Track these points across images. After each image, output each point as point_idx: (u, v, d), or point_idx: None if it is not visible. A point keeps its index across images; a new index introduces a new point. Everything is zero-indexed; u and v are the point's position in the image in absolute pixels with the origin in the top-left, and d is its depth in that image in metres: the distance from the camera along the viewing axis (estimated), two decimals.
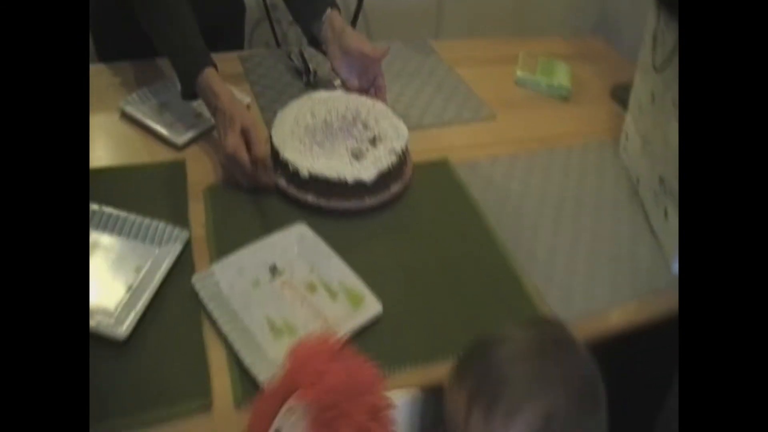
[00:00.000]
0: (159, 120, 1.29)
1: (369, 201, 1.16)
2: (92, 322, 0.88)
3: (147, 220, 1.04)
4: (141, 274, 0.97)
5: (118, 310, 0.92)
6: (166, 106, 1.33)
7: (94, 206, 1.04)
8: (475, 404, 0.72)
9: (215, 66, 1.20)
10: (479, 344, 0.78)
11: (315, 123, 1.22)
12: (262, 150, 1.14)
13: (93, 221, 1.03)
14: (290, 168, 1.14)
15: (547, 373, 0.73)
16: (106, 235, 1.03)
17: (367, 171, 1.14)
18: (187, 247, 1.03)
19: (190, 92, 1.21)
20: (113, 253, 1.00)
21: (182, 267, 1.00)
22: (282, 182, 1.16)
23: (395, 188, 1.19)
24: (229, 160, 1.13)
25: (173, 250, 1.01)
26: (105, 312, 0.91)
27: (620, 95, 1.57)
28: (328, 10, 1.36)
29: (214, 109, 1.17)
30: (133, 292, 0.94)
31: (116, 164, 1.19)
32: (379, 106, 1.29)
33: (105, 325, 0.89)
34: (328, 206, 1.14)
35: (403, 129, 1.24)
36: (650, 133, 1.26)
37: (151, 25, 1.25)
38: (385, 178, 1.17)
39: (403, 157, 1.20)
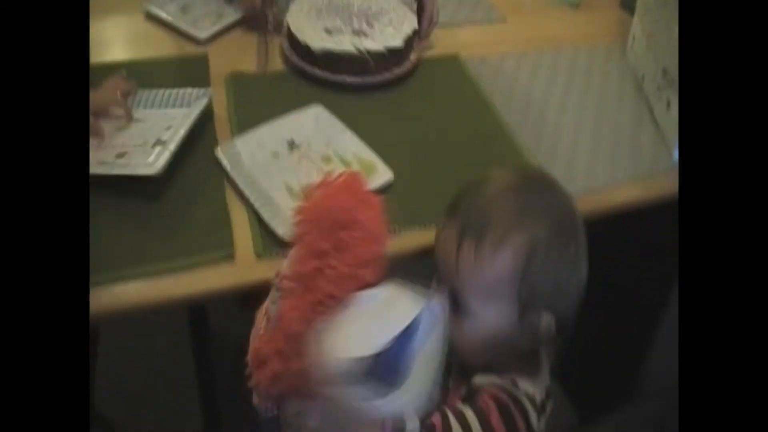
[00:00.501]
0: (182, 18, 1.34)
1: (381, 76, 1.23)
2: (125, 170, 0.95)
3: (174, 90, 1.11)
4: (171, 130, 1.03)
5: (153, 154, 0.98)
6: (188, 6, 1.38)
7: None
8: (464, 238, 0.77)
9: None
10: (465, 186, 0.83)
11: (330, 6, 1.30)
12: None
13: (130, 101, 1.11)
14: (307, 47, 1.21)
15: (529, 206, 0.79)
16: (140, 109, 1.10)
17: (377, 44, 1.21)
18: (210, 122, 1.10)
19: None
20: (148, 122, 1.07)
21: (207, 142, 1.06)
22: (295, 59, 1.24)
23: (407, 65, 1.26)
24: None
25: (199, 104, 1.08)
26: (142, 160, 0.98)
27: (629, 3, 1.60)
28: None
29: None
30: (166, 142, 1.00)
31: (141, 58, 1.25)
32: None
33: (143, 165, 0.96)
34: (343, 81, 1.21)
35: (412, 16, 1.31)
36: (655, 29, 1.29)
37: None
38: (397, 54, 1.24)
39: (410, 38, 1.27)
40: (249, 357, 0.77)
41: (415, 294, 0.67)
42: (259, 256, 0.92)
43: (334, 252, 0.70)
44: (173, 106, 1.09)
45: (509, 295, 0.77)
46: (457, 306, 0.78)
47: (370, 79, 1.22)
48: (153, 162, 0.96)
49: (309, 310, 0.69)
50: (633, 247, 1.41)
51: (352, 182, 0.74)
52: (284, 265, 0.76)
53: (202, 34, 1.30)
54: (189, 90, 1.11)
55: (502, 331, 0.79)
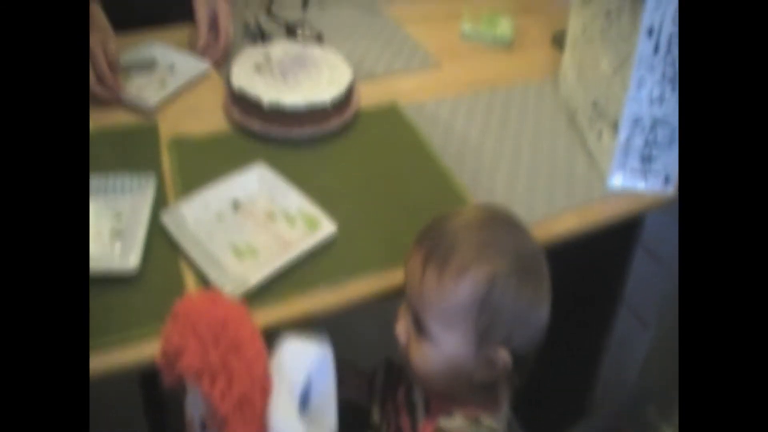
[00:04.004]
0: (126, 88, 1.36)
1: (322, 128, 1.27)
2: (99, 265, 0.96)
3: (112, 175, 1.11)
4: (124, 219, 1.05)
5: (117, 248, 1.00)
6: (128, 73, 1.41)
7: None
8: (428, 264, 0.83)
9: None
10: (434, 220, 0.88)
11: (268, 61, 1.35)
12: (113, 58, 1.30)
13: None
14: (249, 100, 1.26)
15: (492, 242, 0.83)
16: None
17: (320, 97, 1.26)
18: (159, 193, 1.11)
19: None
20: (91, 212, 1.07)
21: (155, 211, 1.07)
22: (240, 116, 1.28)
23: (346, 115, 1.30)
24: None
25: (148, 191, 1.09)
26: (105, 255, 1.00)
27: (560, 40, 1.66)
28: None
29: None
30: (126, 232, 1.02)
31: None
32: (325, 50, 1.42)
33: (112, 262, 0.98)
34: (284, 135, 1.25)
35: (347, 67, 1.37)
36: (583, 63, 1.35)
37: None
38: (337, 106, 1.28)
39: (350, 88, 1.32)
40: None
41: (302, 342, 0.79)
42: None
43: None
44: (114, 192, 1.10)
45: (468, 324, 0.81)
46: (420, 329, 0.84)
47: (310, 132, 1.26)
48: (122, 256, 0.98)
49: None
50: (574, 270, 1.45)
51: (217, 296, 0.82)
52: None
53: (149, 102, 1.32)
54: (128, 175, 1.11)
55: (459, 360, 0.84)
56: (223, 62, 1.46)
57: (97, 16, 1.36)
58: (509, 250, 0.84)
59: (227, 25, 1.47)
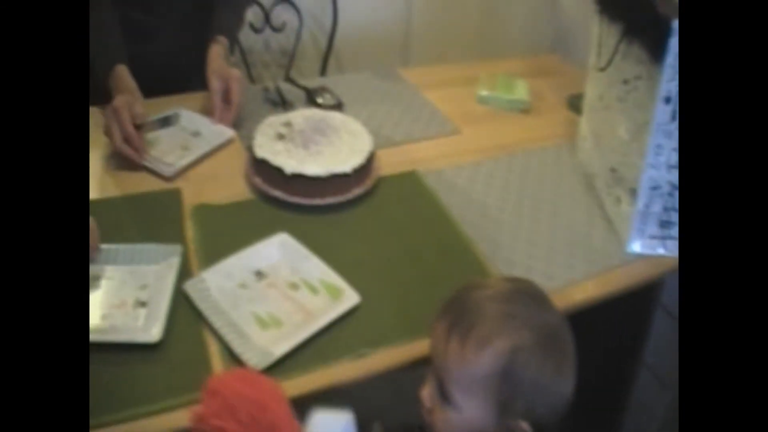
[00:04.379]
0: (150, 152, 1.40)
1: (344, 196, 1.29)
2: (122, 336, 0.98)
3: (139, 246, 1.14)
4: (149, 290, 1.07)
5: (141, 318, 1.02)
6: (154, 141, 1.44)
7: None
8: (452, 334, 0.84)
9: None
10: (459, 290, 0.90)
11: (290, 130, 1.38)
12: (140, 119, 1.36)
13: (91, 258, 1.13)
14: (271, 169, 1.28)
15: (515, 314, 0.85)
16: (107, 267, 1.11)
17: (341, 167, 1.28)
18: (183, 261, 1.13)
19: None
20: (116, 280, 1.09)
21: (180, 281, 1.09)
22: (262, 184, 1.30)
23: (367, 184, 1.33)
24: (114, 112, 1.32)
25: (173, 263, 1.10)
26: (130, 323, 1.01)
27: (575, 104, 1.69)
28: (216, 42, 1.54)
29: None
30: (151, 304, 1.04)
31: (112, 196, 1.30)
32: (345, 117, 1.45)
33: (134, 329, 1.00)
34: (307, 203, 1.27)
35: (367, 134, 1.40)
36: (601, 129, 1.37)
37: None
38: (358, 173, 1.30)
39: (371, 156, 1.35)
40: None
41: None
42: None
43: None
44: (140, 263, 1.12)
45: (489, 394, 0.82)
46: (443, 395, 0.85)
47: (332, 200, 1.28)
48: (145, 327, 0.99)
49: None
50: (592, 331, 1.44)
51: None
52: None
53: (169, 170, 1.35)
54: (155, 246, 1.13)
55: (480, 428, 0.85)
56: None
57: (125, 77, 1.41)
58: (532, 324, 0.85)
59: (238, 97, 1.51)
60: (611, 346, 1.58)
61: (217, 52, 1.53)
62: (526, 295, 0.89)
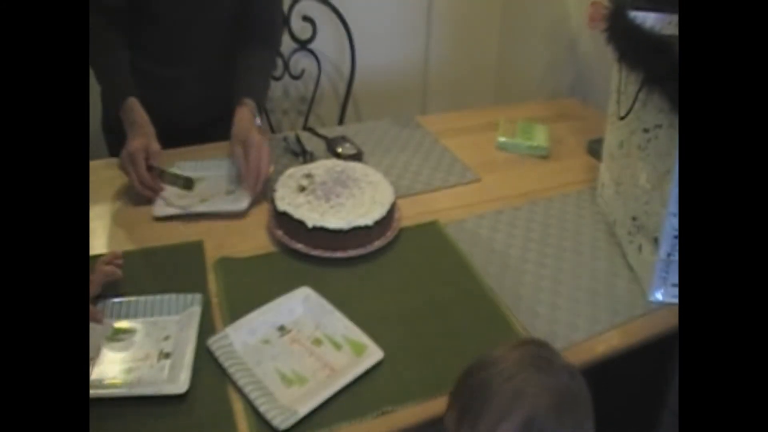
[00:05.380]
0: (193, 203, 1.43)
1: (365, 248, 1.30)
2: (149, 389, 0.98)
3: (159, 296, 1.15)
4: (172, 340, 1.08)
5: (166, 370, 1.03)
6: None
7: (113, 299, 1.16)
8: (463, 421, 0.83)
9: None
10: (468, 369, 0.88)
11: (311, 182, 1.39)
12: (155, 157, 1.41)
13: (113, 311, 1.14)
14: (293, 222, 1.29)
15: (524, 389, 0.82)
16: (130, 320, 1.13)
17: (363, 219, 1.29)
18: (206, 313, 1.14)
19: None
20: (140, 333, 1.11)
21: (202, 333, 1.10)
22: (284, 237, 1.32)
23: (388, 235, 1.34)
24: (130, 157, 1.38)
25: (194, 313, 1.12)
26: (156, 376, 1.02)
27: (595, 149, 1.69)
28: (241, 105, 1.54)
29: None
30: (174, 355, 1.05)
31: (136, 248, 1.31)
32: (366, 168, 1.46)
33: (161, 381, 1.01)
34: (329, 255, 1.28)
35: (388, 186, 1.41)
36: (621, 177, 1.37)
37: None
38: (379, 225, 1.31)
39: (392, 209, 1.36)
40: None
41: None
42: None
43: None
44: (161, 314, 1.13)
45: None
46: None
47: (354, 252, 1.28)
48: (170, 378, 1.01)
49: None
50: (617, 377, 1.43)
51: None
52: None
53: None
54: (174, 295, 1.15)
55: None
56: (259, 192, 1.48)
57: (136, 109, 1.44)
58: (544, 391, 0.82)
59: (257, 163, 1.44)
60: (635, 390, 1.56)
61: (242, 116, 1.52)
62: (534, 363, 0.87)
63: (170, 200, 1.42)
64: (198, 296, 1.15)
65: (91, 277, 1.13)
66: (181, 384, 0.99)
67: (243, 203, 1.42)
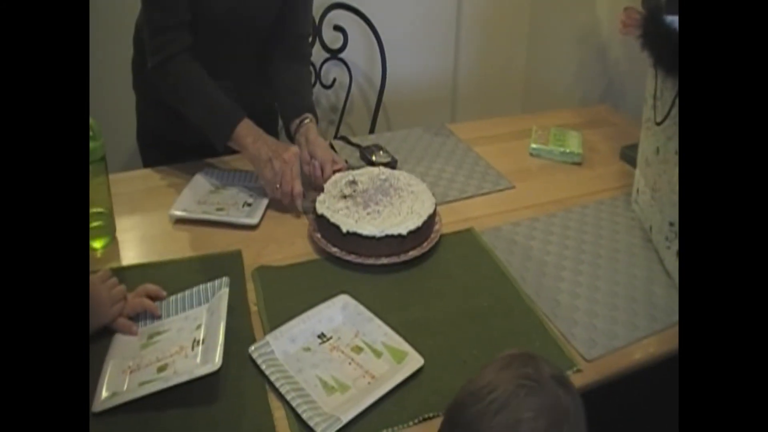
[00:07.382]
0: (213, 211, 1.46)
1: (404, 255, 1.31)
2: (183, 377, 0.99)
3: (188, 291, 1.19)
4: (204, 328, 1.11)
5: (198, 355, 1.05)
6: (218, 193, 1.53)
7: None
8: None
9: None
10: (459, 402, 0.85)
11: (354, 189, 1.40)
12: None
13: (147, 319, 1.16)
14: (330, 227, 1.31)
15: (520, 415, 0.79)
16: (163, 321, 1.16)
17: (396, 228, 1.30)
18: (246, 321, 1.16)
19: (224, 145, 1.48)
20: (172, 330, 1.13)
21: (243, 341, 1.11)
22: (321, 242, 1.34)
23: (424, 245, 1.34)
24: (286, 162, 1.42)
25: (223, 295, 1.14)
26: (190, 364, 1.04)
27: (629, 155, 1.69)
28: (306, 120, 1.57)
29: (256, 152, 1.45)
30: (207, 340, 1.07)
31: (174, 258, 1.33)
32: (410, 177, 1.47)
33: (194, 366, 1.02)
34: (369, 263, 1.29)
35: (429, 194, 1.42)
36: (658, 183, 1.37)
37: (178, 97, 1.49)
38: (418, 233, 1.32)
39: (432, 215, 1.36)
40: None
41: None
42: None
43: None
44: (191, 306, 1.16)
45: None
46: None
47: (386, 260, 1.29)
48: (204, 361, 1.02)
49: None
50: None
51: None
52: None
53: (253, 220, 1.42)
54: (202, 285, 1.18)
55: None
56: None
57: (254, 125, 1.48)
58: (539, 415, 0.79)
59: (331, 161, 1.53)
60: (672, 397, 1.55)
61: (316, 132, 1.57)
62: (524, 384, 0.83)
63: (189, 206, 1.45)
64: (225, 279, 1.18)
65: (131, 300, 1.16)
66: (215, 363, 0.99)
67: (255, 218, 1.44)
